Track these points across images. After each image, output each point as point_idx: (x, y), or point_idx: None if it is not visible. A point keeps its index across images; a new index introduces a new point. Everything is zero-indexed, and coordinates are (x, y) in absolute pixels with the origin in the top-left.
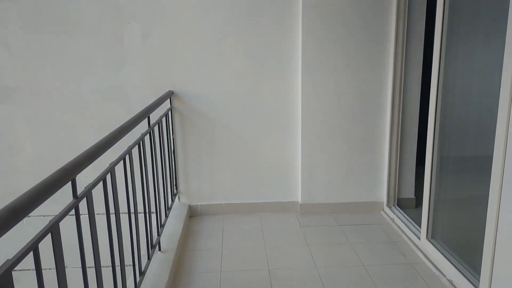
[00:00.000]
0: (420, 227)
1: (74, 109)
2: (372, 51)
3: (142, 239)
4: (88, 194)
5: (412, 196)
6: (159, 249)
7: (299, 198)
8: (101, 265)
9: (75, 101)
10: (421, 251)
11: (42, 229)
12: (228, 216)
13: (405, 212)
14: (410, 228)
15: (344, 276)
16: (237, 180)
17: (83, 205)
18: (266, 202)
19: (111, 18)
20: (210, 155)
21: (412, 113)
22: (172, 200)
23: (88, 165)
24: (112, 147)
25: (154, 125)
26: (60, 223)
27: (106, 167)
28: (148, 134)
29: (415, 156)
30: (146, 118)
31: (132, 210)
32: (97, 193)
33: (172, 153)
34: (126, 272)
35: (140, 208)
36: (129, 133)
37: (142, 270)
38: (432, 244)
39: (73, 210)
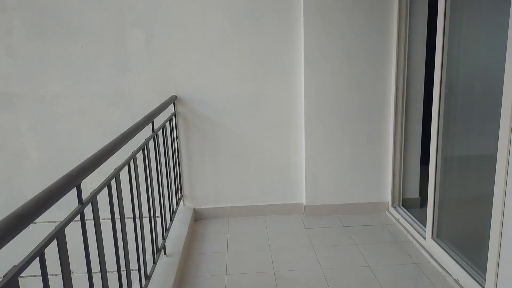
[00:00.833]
0: (425, 226)
1: (79, 115)
2: (374, 51)
3: (147, 243)
4: (93, 199)
5: (417, 196)
6: (165, 253)
7: (303, 200)
8: (107, 270)
9: (80, 107)
10: (427, 251)
11: (48, 234)
12: (233, 219)
13: (410, 212)
14: (416, 228)
15: (350, 277)
16: (241, 183)
17: (88, 211)
18: (271, 204)
19: (114, 25)
20: (214, 158)
21: (416, 113)
22: (177, 204)
23: (93, 171)
24: (116, 153)
25: (158, 129)
26: (65, 229)
27: (110, 173)
28: (152, 139)
29: (419, 155)
30: (150, 123)
31: (137, 214)
32: (102, 198)
33: (177, 157)
34: (131, 276)
35: (145, 212)
36: (134, 138)
37: (148, 274)
38: (438, 243)
39: (79, 215)
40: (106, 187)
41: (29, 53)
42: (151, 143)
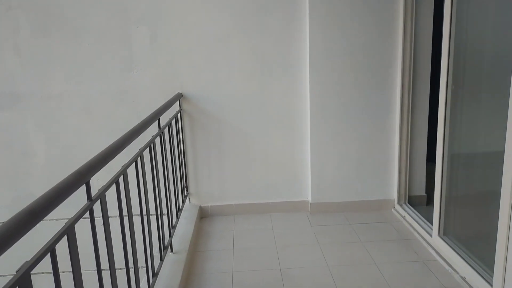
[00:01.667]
0: (431, 224)
1: (85, 113)
2: (380, 48)
3: (154, 241)
4: (102, 196)
5: (423, 193)
6: (171, 250)
7: (309, 197)
8: (115, 267)
9: (86, 105)
10: (433, 248)
11: (59, 231)
12: (239, 217)
13: (416, 210)
14: (422, 226)
15: (356, 275)
16: (247, 180)
17: (96, 208)
18: (276, 202)
19: (119, 22)
20: (220, 156)
21: (422, 110)
22: (183, 202)
23: (101, 168)
24: (123, 151)
25: (164, 127)
26: (74, 227)
27: (117, 170)
28: (158, 136)
29: (425, 153)
30: (157, 121)
31: (144, 212)
32: (109, 196)
33: (182, 155)
34: (139, 273)
35: (152, 210)
36: (140, 136)
37: (155, 271)
38: (444, 241)
39: (88, 212)
40: (114, 184)
41: (34, 51)
42: (157, 140)
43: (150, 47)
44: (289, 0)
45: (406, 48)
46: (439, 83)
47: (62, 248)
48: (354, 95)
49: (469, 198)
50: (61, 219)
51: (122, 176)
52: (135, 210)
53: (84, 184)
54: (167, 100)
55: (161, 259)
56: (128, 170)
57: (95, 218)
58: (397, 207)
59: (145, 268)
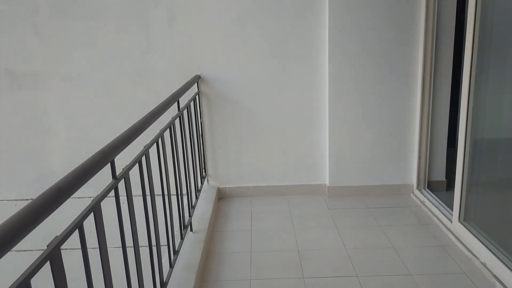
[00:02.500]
0: (451, 210)
1: (104, 93)
2: (401, 27)
3: (174, 220)
4: (126, 175)
5: (443, 178)
6: (191, 230)
7: (326, 181)
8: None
9: (104, 85)
10: (453, 234)
11: (86, 208)
12: (256, 199)
13: (436, 195)
14: (442, 211)
15: (374, 258)
16: (264, 162)
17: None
18: (294, 185)
19: (137, 3)
20: (237, 138)
21: (443, 93)
22: (202, 183)
23: (124, 147)
24: (143, 132)
25: (184, 108)
26: (99, 204)
27: (136, 151)
28: (178, 118)
29: (446, 137)
30: (176, 102)
31: (165, 191)
32: (132, 176)
33: (201, 136)
34: (161, 250)
35: (172, 190)
36: (159, 118)
37: (176, 249)
38: (465, 226)
39: (113, 190)
40: (137, 164)
41: (54, 32)
42: (177, 122)
43: (168, 28)
44: None
45: (429, 27)
46: (461, 66)
47: (88, 226)
48: (374, 77)
49: (491, 184)
50: (85, 197)
51: (144, 156)
52: (157, 190)
53: (109, 163)
54: (185, 82)
55: (182, 238)
56: (149, 150)
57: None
58: (416, 192)
59: (166, 246)
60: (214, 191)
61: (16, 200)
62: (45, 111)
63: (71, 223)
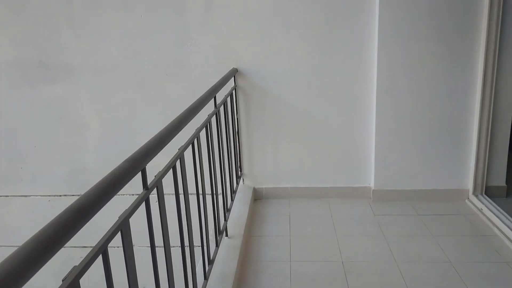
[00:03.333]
0: None
1: (138, 87)
2: (461, 18)
3: (209, 225)
4: (158, 184)
5: (503, 184)
6: (226, 235)
7: (371, 184)
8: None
9: (139, 78)
10: None
11: (111, 227)
12: (294, 200)
13: (495, 202)
14: (503, 221)
15: (428, 273)
16: (304, 162)
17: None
18: (335, 187)
19: None
20: (275, 135)
21: (508, 90)
22: (237, 183)
23: (157, 153)
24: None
25: (220, 105)
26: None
27: (170, 152)
28: (214, 115)
29: (508, 139)
30: (213, 99)
31: (201, 197)
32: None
33: (237, 133)
34: (195, 258)
35: (207, 192)
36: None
37: (211, 258)
38: None
39: (144, 202)
40: (171, 169)
41: (87, 23)
42: (213, 119)
43: (204, 18)
44: None
45: (492, 19)
46: None
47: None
48: (427, 70)
49: None
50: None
51: (179, 159)
52: (190, 193)
53: (140, 172)
54: (221, 75)
55: (217, 245)
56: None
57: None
58: (472, 198)
59: (200, 255)
60: (250, 191)
61: (49, 196)
62: (78, 105)
63: (93, 248)
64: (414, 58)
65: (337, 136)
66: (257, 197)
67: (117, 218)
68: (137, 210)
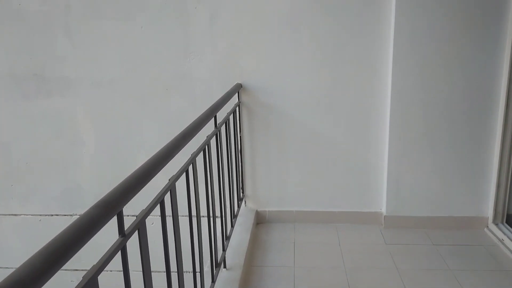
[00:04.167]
0: None
1: (137, 101)
2: (482, 31)
3: (205, 257)
4: (140, 226)
5: None
6: (224, 266)
7: (383, 209)
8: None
9: (138, 92)
10: None
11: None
12: (300, 225)
13: None
14: None
15: None
16: (310, 184)
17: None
18: (344, 211)
19: (176, 2)
20: (281, 155)
21: None
22: (238, 206)
23: (138, 191)
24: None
25: (221, 124)
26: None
27: (164, 183)
28: (214, 136)
29: None
30: (213, 118)
31: (195, 231)
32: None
33: (239, 152)
34: None
35: (203, 221)
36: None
37: None
38: None
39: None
40: (159, 205)
41: (86, 33)
42: (212, 140)
43: (208, 30)
44: None
45: None
46: None
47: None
48: (444, 89)
49: None
50: None
51: (170, 191)
52: (185, 226)
53: (116, 216)
54: (225, 90)
55: (213, 281)
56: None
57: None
58: (492, 226)
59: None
60: (252, 215)
61: (40, 215)
62: (74, 119)
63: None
64: (430, 75)
65: (347, 157)
66: (260, 220)
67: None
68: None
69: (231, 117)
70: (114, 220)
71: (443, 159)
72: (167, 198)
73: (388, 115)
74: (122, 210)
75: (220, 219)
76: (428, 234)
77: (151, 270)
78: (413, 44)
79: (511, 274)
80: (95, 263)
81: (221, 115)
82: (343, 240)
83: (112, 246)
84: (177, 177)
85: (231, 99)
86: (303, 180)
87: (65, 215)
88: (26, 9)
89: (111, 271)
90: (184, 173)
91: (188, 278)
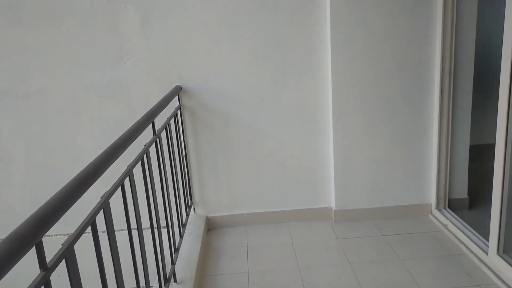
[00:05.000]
0: (485, 238)
1: (69, 111)
2: (416, 26)
3: (152, 276)
4: (67, 254)
5: (465, 195)
6: (175, 280)
7: (332, 204)
8: None
9: (70, 102)
10: (491, 269)
11: None
12: (252, 228)
13: (460, 216)
14: (472, 238)
15: None
16: (260, 185)
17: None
18: (295, 209)
19: (103, 3)
20: (228, 158)
21: (465, 99)
22: (187, 214)
23: (59, 217)
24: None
25: (161, 130)
26: None
27: (97, 202)
28: (154, 143)
29: (468, 148)
30: (151, 124)
31: (137, 244)
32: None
33: (184, 158)
34: None
35: (148, 233)
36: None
37: None
38: (506, 261)
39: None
40: (90, 226)
41: (6, 42)
42: (152, 148)
43: (141, 31)
44: None
45: (447, 25)
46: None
47: None
48: (384, 83)
49: None
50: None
51: (103, 210)
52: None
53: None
54: (164, 93)
55: None
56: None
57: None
58: (436, 212)
59: None
60: (202, 221)
61: None
62: (0, 135)
63: None
64: (369, 70)
65: (294, 154)
66: (211, 227)
67: None
68: None
69: (172, 122)
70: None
71: (385, 150)
72: (101, 216)
73: (331, 111)
74: (41, 240)
75: (167, 230)
76: (377, 225)
77: None
78: (350, 40)
79: (455, 258)
80: None
81: (161, 120)
82: (296, 239)
83: (32, 282)
84: (110, 193)
85: (171, 103)
86: (252, 182)
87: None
88: None
89: None
90: (120, 188)
91: None
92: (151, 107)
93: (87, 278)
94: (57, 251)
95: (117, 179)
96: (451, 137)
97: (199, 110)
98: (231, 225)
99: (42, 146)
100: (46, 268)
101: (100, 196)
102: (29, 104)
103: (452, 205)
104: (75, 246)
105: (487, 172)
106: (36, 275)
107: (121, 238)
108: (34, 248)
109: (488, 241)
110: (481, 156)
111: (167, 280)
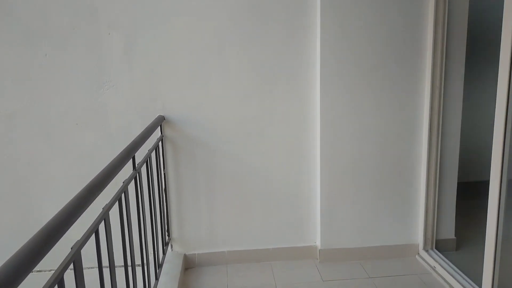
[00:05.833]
0: (476, 282)
1: (42, 139)
2: (406, 60)
3: None
4: None
5: (453, 236)
6: None
7: (318, 242)
8: None
9: (43, 128)
10: None
11: None
12: (233, 267)
13: (447, 258)
14: (462, 283)
15: None
16: (242, 222)
17: None
18: (278, 248)
19: (86, 28)
20: (210, 192)
21: (453, 137)
22: (164, 253)
23: (27, 275)
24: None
25: (141, 164)
26: None
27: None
28: (133, 179)
29: (455, 187)
30: (131, 159)
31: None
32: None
33: (164, 191)
34: None
35: (120, 273)
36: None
37: None
38: None
39: None
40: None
41: None
42: (131, 184)
43: (124, 58)
44: (296, 5)
45: (437, 58)
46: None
47: None
48: (373, 119)
49: None
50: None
51: (72, 263)
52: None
53: None
54: (145, 123)
55: None
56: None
57: None
58: (423, 253)
59: None
60: (180, 260)
61: None
62: None
63: None
64: (358, 106)
65: (279, 191)
66: (189, 265)
67: None
68: None
69: (153, 154)
70: None
71: (373, 188)
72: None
73: (318, 148)
74: None
75: (142, 271)
76: (363, 265)
77: None
78: (339, 75)
79: None
80: None
81: (141, 152)
82: (280, 280)
83: None
84: (82, 242)
85: (153, 134)
86: (234, 217)
87: None
88: None
89: None
90: (94, 234)
91: None
92: (130, 136)
93: None
94: None
95: (91, 223)
96: (439, 176)
97: (182, 141)
98: (211, 263)
99: (11, 173)
100: None
101: (71, 246)
102: None
103: (440, 245)
104: None
105: (472, 211)
106: None
107: (92, 276)
108: None
109: (478, 286)
110: (467, 193)
111: None
